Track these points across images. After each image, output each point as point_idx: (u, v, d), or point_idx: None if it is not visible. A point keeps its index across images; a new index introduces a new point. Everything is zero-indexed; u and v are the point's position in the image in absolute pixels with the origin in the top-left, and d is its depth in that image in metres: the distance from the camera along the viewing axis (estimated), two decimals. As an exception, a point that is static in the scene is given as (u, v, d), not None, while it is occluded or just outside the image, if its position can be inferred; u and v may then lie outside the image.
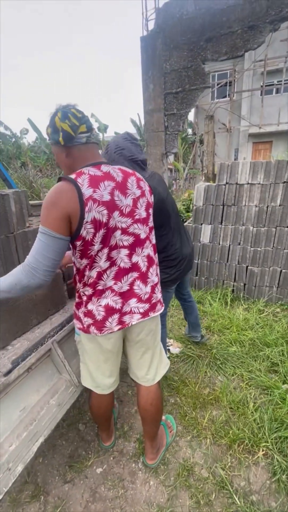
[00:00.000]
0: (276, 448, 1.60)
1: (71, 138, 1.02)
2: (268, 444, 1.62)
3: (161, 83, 3.79)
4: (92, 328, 1.19)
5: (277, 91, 13.65)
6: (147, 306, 1.21)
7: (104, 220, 1.01)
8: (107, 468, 1.59)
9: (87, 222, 0.97)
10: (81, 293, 1.19)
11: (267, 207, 2.99)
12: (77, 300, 1.25)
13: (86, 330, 1.23)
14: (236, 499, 1.38)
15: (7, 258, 1.64)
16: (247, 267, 3.25)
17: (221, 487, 1.45)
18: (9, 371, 1.23)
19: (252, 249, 3.16)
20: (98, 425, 1.67)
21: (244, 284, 3.33)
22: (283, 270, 3.08)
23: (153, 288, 1.23)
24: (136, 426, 1.84)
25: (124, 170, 1.12)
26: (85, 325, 1.22)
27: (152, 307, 1.23)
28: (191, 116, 16.66)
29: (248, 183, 3.00)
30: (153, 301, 1.23)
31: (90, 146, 1.08)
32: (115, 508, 1.39)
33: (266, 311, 3.03)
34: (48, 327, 1.55)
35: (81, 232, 0.99)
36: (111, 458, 1.65)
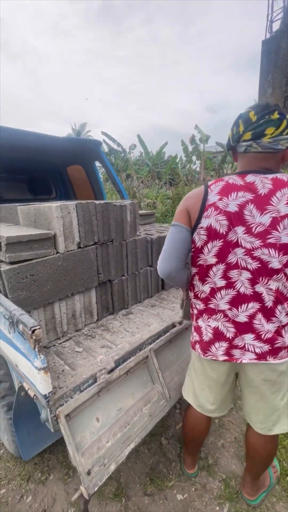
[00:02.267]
0: None
1: (231, 146, 1.03)
2: None
3: (282, 85, 3.43)
4: (197, 347, 1.17)
5: None
6: (266, 347, 1.01)
7: (222, 231, 0.96)
8: (188, 498, 1.49)
9: (201, 227, 0.98)
10: (193, 304, 1.18)
11: None
12: (191, 311, 1.24)
13: (193, 346, 1.23)
14: None
15: (118, 262, 1.79)
16: None
17: None
18: (112, 370, 1.32)
19: None
20: (185, 447, 1.58)
21: None
22: None
23: (279, 329, 1.00)
24: (222, 463, 1.66)
25: (280, 180, 0.92)
26: (192, 340, 1.22)
27: (274, 352, 1.01)
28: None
29: None
30: (277, 345, 1.01)
31: (250, 155, 0.97)
32: None
33: None
34: (146, 334, 1.59)
35: (194, 236, 1.01)
36: (193, 489, 1.53)
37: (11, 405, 1.52)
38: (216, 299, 1.04)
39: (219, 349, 1.08)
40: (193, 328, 1.20)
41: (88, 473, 1.07)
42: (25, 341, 1.08)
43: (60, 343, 1.52)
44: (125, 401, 1.35)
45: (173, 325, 1.71)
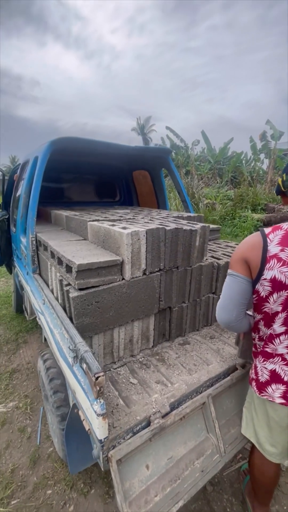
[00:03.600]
0: None
1: (281, 191, 1.09)
2: None
3: None
4: (253, 384, 1.19)
5: None
6: None
7: (287, 282, 0.94)
8: None
9: (265, 279, 0.98)
10: (256, 344, 1.18)
11: None
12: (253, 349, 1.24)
13: (250, 382, 1.24)
14: None
15: (180, 289, 1.67)
16: None
17: None
18: (167, 414, 1.23)
19: None
20: (255, 496, 1.42)
21: None
22: None
23: None
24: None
25: None
26: (251, 376, 1.22)
27: None
28: None
29: None
30: None
31: None
32: None
33: None
34: (204, 375, 1.45)
35: (257, 287, 1.01)
36: None
37: (64, 416, 1.58)
38: (274, 344, 1.06)
39: (275, 391, 1.08)
40: (253, 366, 1.22)
41: (135, 529, 1.01)
42: (85, 376, 1.07)
43: (115, 368, 1.49)
44: (177, 449, 1.25)
45: (235, 368, 1.53)
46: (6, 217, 3.32)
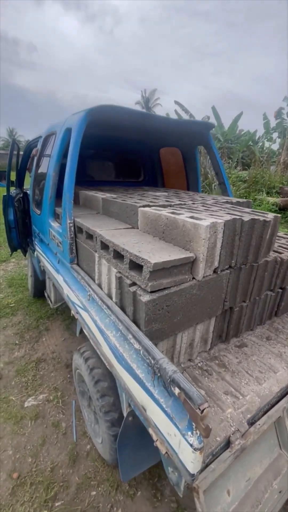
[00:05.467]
0: None
1: None
2: None
3: None
4: None
5: None
6: None
7: None
8: None
9: None
10: None
11: None
12: None
13: None
14: None
15: (244, 287, 1.48)
16: None
17: None
18: (246, 432, 1.09)
19: None
20: None
21: None
22: None
23: None
24: None
25: None
26: None
27: None
28: None
29: None
30: None
31: None
32: None
33: None
34: (275, 385, 1.31)
35: None
36: None
37: (114, 422, 1.46)
38: None
39: None
40: None
41: None
42: (170, 398, 0.91)
43: (175, 375, 1.34)
44: (253, 469, 1.13)
45: (304, 376, 1.39)
46: (21, 195, 3.05)
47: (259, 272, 1.49)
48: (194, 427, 0.80)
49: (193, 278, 1.19)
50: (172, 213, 1.34)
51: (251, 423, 1.14)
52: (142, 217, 1.47)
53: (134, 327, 1.07)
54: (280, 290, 1.76)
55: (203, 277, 1.20)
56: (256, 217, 1.30)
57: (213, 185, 8.56)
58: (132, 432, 1.30)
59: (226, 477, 1.03)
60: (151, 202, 1.73)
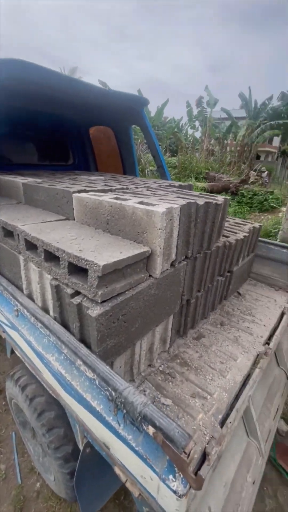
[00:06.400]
0: None
1: None
2: None
3: None
4: None
5: None
6: None
7: None
8: None
9: None
10: None
11: None
12: None
13: None
14: None
15: (198, 277, 1.38)
16: None
17: None
18: (221, 436, 1.00)
19: None
20: None
21: None
22: None
23: None
24: (295, 504, 1.50)
25: None
26: None
27: None
28: None
29: None
30: None
31: None
32: None
33: None
34: (237, 374, 1.27)
35: None
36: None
37: (67, 457, 1.20)
38: None
39: None
40: None
41: None
42: (140, 433, 0.71)
43: (137, 388, 1.16)
44: (228, 469, 1.06)
45: (260, 358, 1.40)
46: None
47: (212, 259, 1.41)
48: (176, 470, 0.64)
49: (150, 276, 1.00)
50: (116, 198, 1.10)
51: (223, 422, 1.06)
52: (78, 205, 1.18)
53: (83, 350, 0.82)
54: (228, 274, 1.75)
55: (161, 273, 1.02)
56: (209, 200, 1.18)
57: (146, 170, 8.52)
58: (91, 463, 1.08)
59: (205, 494, 0.92)
60: (87, 187, 1.44)
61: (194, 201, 1.07)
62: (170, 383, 1.20)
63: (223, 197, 1.36)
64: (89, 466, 1.08)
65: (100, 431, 0.84)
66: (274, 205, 7.02)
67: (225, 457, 1.07)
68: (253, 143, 12.35)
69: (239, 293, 2.04)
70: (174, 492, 0.64)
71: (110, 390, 0.73)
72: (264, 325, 1.67)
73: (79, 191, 1.24)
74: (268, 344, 1.47)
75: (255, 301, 1.96)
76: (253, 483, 1.11)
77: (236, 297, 2.01)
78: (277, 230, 4.52)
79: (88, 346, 0.86)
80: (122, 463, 0.79)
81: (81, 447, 1.05)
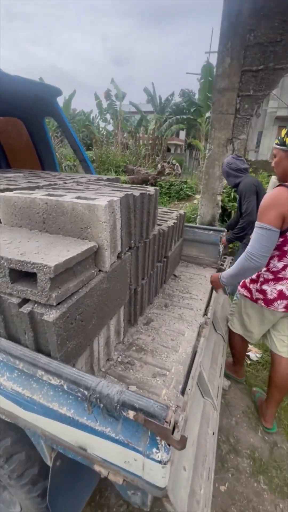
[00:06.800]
0: None
1: (284, 143, 1.30)
2: None
3: (240, 57, 3.36)
4: (260, 302, 1.61)
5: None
6: None
7: None
8: (230, 486, 1.56)
9: None
10: (261, 275, 1.59)
11: None
12: (253, 277, 1.66)
13: (253, 300, 1.67)
14: None
15: (141, 265, 1.45)
16: None
17: None
18: (184, 403, 1.11)
19: None
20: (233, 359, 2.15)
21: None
22: None
23: None
24: (242, 440, 1.80)
25: None
26: (254, 297, 1.65)
27: None
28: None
29: None
30: None
31: None
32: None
33: None
34: (188, 346, 1.42)
35: (287, 233, 1.34)
36: (230, 475, 1.61)
37: (34, 480, 1.10)
38: (286, 271, 1.48)
39: (280, 304, 1.54)
40: (253, 290, 1.65)
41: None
42: (117, 422, 0.73)
43: (99, 385, 1.15)
44: (193, 429, 1.20)
45: (202, 328, 1.59)
46: None
47: (151, 247, 1.50)
48: (159, 440, 0.68)
49: (100, 270, 1.00)
50: (49, 195, 1.03)
51: (183, 391, 1.17)
52: (4, 206, 1.05)
53: (42, 359, 0.76)
54: (165, 259, 1.89)
55: (110, 266, 1.03)
56: (143, 191, 1.24)
57: (63, 165, 8.08)
58: (63, 475, 1.05)
59: (180, 457, 1.02)
60: (8, 185, 1.30)
61: (130, 192, 1.11)
62: (131, 370, 1.25)
63: (154, 188, 1.44)
64: (61, 479, 1.04)
65: (74, 436, 0.81)
66: (189, 193, 7.79)
67: (189, 420, 1.19)
68: (163, 136, 13.23)
69: (175, 276, 2.23)
70: (159, 461, 0.69)
71: (82, 390, 0.71)
72: (201, 299, 1.89)
73: (1, 190, 1.11)
74: (206, 315, 1.68)
75: (189, 280, 2.18)
76: (213, 434, 1.29)
77: (173, 279, 2.19)
78: (195, 215, 5.05)
79: (47, 354, 0.81)
80: (103, 458, 0.80)
81: (50, 463, 0.99)
